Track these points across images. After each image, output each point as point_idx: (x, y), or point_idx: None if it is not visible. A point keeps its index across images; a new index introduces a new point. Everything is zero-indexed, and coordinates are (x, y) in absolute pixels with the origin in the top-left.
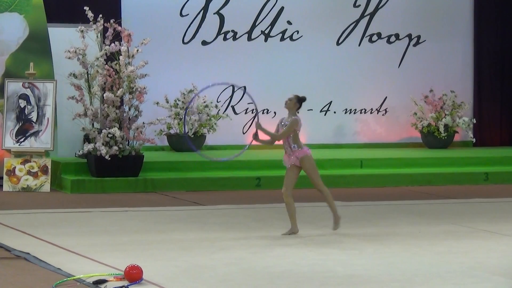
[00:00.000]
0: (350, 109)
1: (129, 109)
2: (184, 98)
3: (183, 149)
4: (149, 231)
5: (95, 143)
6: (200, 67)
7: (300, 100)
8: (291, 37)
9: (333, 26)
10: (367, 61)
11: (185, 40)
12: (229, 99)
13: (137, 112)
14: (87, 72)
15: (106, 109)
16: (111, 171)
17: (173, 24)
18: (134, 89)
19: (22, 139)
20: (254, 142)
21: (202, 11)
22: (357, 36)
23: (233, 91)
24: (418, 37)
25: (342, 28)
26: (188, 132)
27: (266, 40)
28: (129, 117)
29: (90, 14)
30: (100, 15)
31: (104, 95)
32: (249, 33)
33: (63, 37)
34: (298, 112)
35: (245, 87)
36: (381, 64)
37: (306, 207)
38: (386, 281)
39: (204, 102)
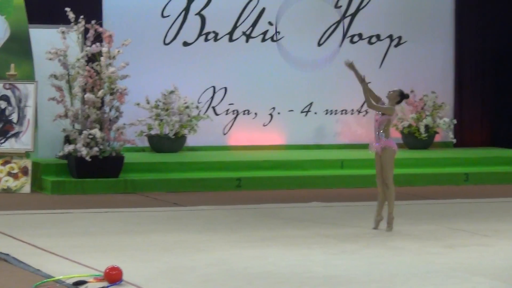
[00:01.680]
0: (331, 110)
1: (110, 110)
2: (165, 99)
3: (163, 150)
4: (129, 232)
5: (76, 144)
6: (181, 68)
7: (403, 95)
8: (272, 38)
9: (314, 27)
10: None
11: (166, 41)
12: (210, 100)
13: (118, 113)
14: (68, 73)
15: (87, 110)
16: (91, 172)
17: (154, 25)
18: (115, 90)
19: (2, 140)
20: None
21: (184, 12)
22: (338, 37)
23: (214, 92)
24: (399, 38)
25: (323, 29)
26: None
27: (247, 41)
28: (110, 118)
29: (71, 15)
30: (81, 16)
31: (85, 96)
32: (231, 34)
33: (44, 38)
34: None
35: None
36: (362, 64)
37: (285, 208)
38: (366, 282)
39: (185, 103)
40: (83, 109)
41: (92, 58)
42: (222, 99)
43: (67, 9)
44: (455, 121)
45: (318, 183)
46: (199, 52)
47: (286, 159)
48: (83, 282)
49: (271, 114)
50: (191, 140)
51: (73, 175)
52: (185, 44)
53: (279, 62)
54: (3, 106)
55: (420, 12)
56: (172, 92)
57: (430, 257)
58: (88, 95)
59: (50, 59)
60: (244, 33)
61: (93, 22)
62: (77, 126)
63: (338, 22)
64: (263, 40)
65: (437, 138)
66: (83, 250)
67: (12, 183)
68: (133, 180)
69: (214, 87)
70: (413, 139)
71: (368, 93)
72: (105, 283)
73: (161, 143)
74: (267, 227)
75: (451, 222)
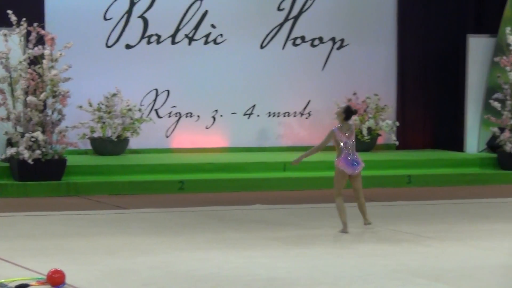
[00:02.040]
0: (274, 113)
1: (52, 113)
2: (108, 101)
3: (106, 153)
4: (72, 235)
5: (18, 147)
6: (124, 70)
7: (348, 111)
8: (215, 41)
9: (257, 30)
10: (291, 65)
11: (109, 44)
12: (153, 102)
13: (60, 115)
14: (10, 76)
15: (29, 113)
16: (34, 175)
17: (96, 28)
18: (57, 93)
19: None
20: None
21: (126, 14)
22: (281, 40)
23: (157, 95)
24: (342, 40)
25: (266, 31)
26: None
27: (190, 43)
28: (52, 121)
29: (13, 18)
30: (24, 19)
31: (27, 99)
32: (173, 36)
33: None
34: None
35: None
36: (304, 67)
37: (228, 210)
38: (309, 284)
39: (128, 105)
40: (25, 111)
41: (35, 61)
42: (164, 102)
43: (9, 11)
44: (397, 123)
45: (261, 186)
46: (142, 55)
47: (228, 161)
48: (25, 285)
49: (213, 117)
50: (134, 142)
51: (16, 178)
52: (128, 46)
53: (221, 64)
54: None
55: (362, 15)
56: (114, 94)
57: (373, 259)
58: (30, 98)
59: None
60: (186, 36)
61: (35, 24)
62: (19, 129)
63: (281, 25)
64: (206, 42)
65: (380, 141)
66: (25, 253)
67: None
68: (75, 183)
69: (156, 89)
70: (356, 142)
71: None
72: (48, 286)
73: (104, 146)
74: (210, 230)
75: (393, 224)
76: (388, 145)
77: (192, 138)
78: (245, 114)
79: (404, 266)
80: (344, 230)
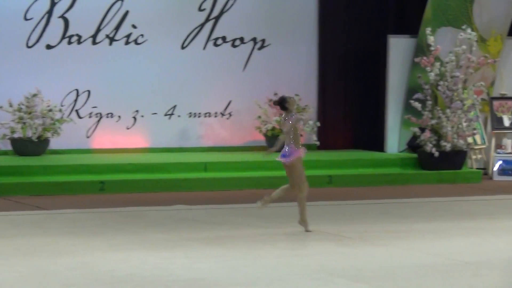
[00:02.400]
0: (195, 113)
1: None
2: (28, 102)
3: (27, 153)
4: None
5: None
6: (44, 71)
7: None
8: (136, 41)
9: (178, 30)
10: (212, 65)
11: (29, 44)
12: (73, 103)
13: None
14: None
15: None
16: None
17: (16, 28)
18: None
19: None
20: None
21: (47, 15)
22: (202, 40)
23: (77, 95)
24: (263, 40)
25: (187, 32)
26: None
27: (110, 44)
28: None
29: None
30: None
31: None
32: (94, 37)
33: None
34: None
35: None
36: (226, 67)
37: (149, 211)
38: (229, 284)
39: (48, 106)
40: None
41: None
42: (85, 102)
43: None
44: (318, 124)
45: (181, 186)
46: (62, 55)
47: (149, 162)
48: None
49: (134, 117)
50: (55, 143)
51: None
52: (48, 47)
53: (142, 65)
54: None
55: (283, 15)
56: (35, 95)
57: (293, 259)
58: None
59: None
60: (107, 36)
61: None
62: None
63: (202, 25)
64: (127, 43)
65: (301, 141)
66: None
67: None
68: None
69: (77, 90)
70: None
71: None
72: None
73: (24, 147)
74: (131, 231)
75: (314, 225)
76: (309, 145)
77: (113, 138)
78: (166, 115)
79: (324, 266)
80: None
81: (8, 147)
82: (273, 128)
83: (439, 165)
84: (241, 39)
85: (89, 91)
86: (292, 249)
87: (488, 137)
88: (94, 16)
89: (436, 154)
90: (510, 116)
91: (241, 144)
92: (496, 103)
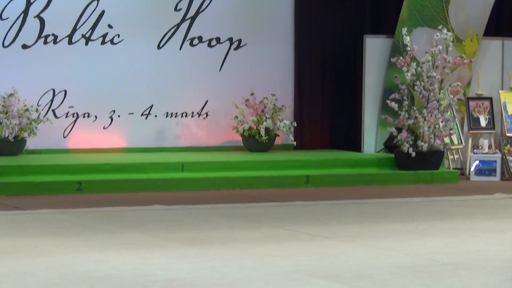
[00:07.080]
0: (171, 113)
1: None
2: (4, 102)
3: (3, 154)
4: None
5: None
6: (20, 71)
7: None
8: (112, 41)
9: (154, 30)
10: (188, 65)
11: (5, 44)
12: (50, 103)
13: None
14: None
15: None
16: None
17: None
18: None
19: None
20: None
21: (23, 14)
22: (178, 40)
23: (54, 95)
24: (239, 40)
25: (163, 32)
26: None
27: (87, 43)
28: None
29: None
30: None
31: None
32: (70, 36)
33: None
34: None
35: None
36: (202, 68)
37: (126, 211)
38: (208, 285)
39: (25, 106)
40: None
41: None
42: (62, 102)
43: None
44: (295, 124)
45: (159, 186)
46: (39, 55)
47: (126, 162)
48: None
49: (111, 117)
50: (31, 143)
51: None
52: (24, 47)
53: (119, 65)
54: None
55: (260, 15)
56: (11, 95)
57: (271, 259)
58: None
59: None
60: (83, 36)
61: None
62: None
63: (178, 25)
64: (103, 43)
65: (278, 141)
66: None
67: None
68: None
69: (53, 90)
70: (254, 142)
71: None
72: None
73: (1, 147)
74: (108, 231)
75: (291, 225)
76: (286, 145)
77: (90, 138)
78: (142, 115)
79: (302, 266)
80: None
81: None
82: (250, 128)
83: (416, 165)
84: (217, 39)
85: (65, 91)
86: (270, 249)
87: (464, 137)
88: (70, 16)
89: (413, 154)
90: (486, 116)
91: (218, 144)
92: (472, 103)
